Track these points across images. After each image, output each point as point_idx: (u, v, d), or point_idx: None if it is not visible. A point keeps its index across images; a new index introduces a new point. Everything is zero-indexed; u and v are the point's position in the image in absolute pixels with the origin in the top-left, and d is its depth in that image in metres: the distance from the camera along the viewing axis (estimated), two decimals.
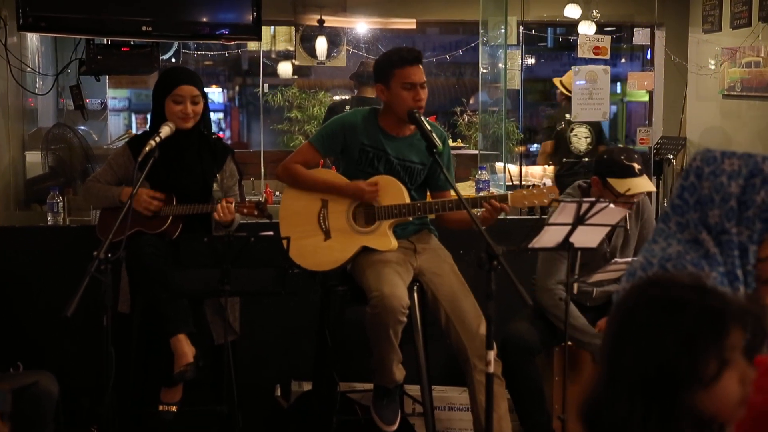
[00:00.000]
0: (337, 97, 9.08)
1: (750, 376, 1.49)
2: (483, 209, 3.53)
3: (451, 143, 7.51)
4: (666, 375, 1.46)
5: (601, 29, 6.99)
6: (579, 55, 6.27)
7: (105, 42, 4.56)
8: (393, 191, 3.66)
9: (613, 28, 7.91)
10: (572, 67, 6.30)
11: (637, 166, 3.74)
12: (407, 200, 3.65)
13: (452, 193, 3.70)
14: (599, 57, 6.20)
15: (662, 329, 1.47)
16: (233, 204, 3.62)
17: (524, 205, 3.59)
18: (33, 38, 5.62)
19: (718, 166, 1.96)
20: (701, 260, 1.92)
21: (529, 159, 9.06)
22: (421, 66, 3.67)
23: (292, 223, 3.72)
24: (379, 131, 3.71)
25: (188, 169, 3.78)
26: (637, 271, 1.98)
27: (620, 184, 3.71)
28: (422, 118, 3.58)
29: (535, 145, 10.57)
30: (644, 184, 3.76)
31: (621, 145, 3.82)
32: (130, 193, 3.44)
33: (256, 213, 3.66)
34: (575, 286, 3.84)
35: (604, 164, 3.79)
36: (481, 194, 4.45)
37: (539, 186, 3.64)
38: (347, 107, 6.05)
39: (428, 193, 3.89)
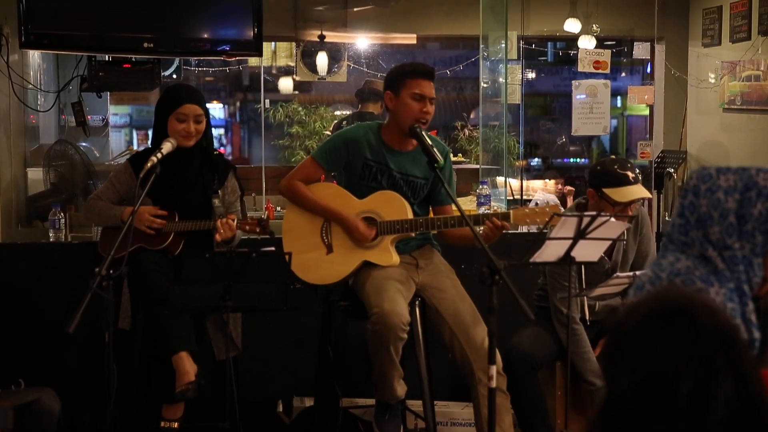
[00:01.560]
0: (338, 113, 9.10)
1: None
2: (484, 226, 3.53)
3: (452, 158, 7.54)
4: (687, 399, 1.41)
5: (601, 43, 7.01)
6: (579, 70, 6.28)
7: (106, 59, 4.57)
8: (395, 206, 3.67)
9: (613, 42, 7.93)
10: (573, 82, 6.31)
11: (631, 175, 3.76)
12: (410, 215, 3.66)
13: (453, 207, 3.72)
14: (599, 71, 6.21)
15: (675, 347, 1.44)
16: (235, 221, 3.62)
17: (526, 223, 3.59)
18: (35, 55, 5.63)
19: (714, 182, 1.97)
20: (710, 276, 1.92)
21: (530, 173, 9.07)
22: (432, 83, 3.69)
23: (294, 237, 3.73)
24: (382, 146, 3.72)
25: (190, 186, 3.79)
26: (645, 285, 1.98)
27: (616, 193, 3.73)
28: (423, 132, 3.59)
29: (536, 160, 10.59)
30: (639, 191, 3.77)
31: (613, 156, 3.82)
32: (131, 213, 3.45)
33: (258, 230, 3.66)
34: (579, 303, 3.84)
35: (599, 175, 3.81)
36: (483, 211, 4.46)
37: (542, 206, 3.64)
38: (344, 123, 6.07)
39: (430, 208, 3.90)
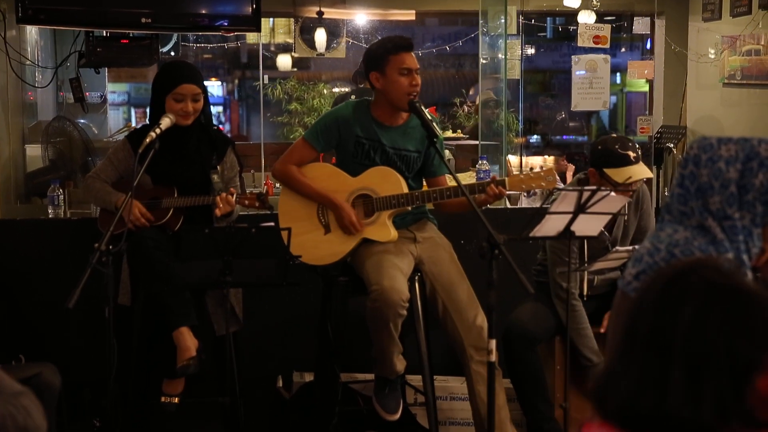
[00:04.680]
0: (336, 89, 9.07)
1: None
2: (484, 195, 3.52)
3: (451, 134, 7.54)
4: (734, 363, 1.34)
5: (600, 18, 6.98)
6: (579, 44, 6.24)
7: (104, 34, 4.55)
8: (390, 182, 3.66)
9: (613, 18, 7.89)
10: (572, 57, 6.29)
11: (632, 154, 3.75)
12: (405, 190, 3.65)
13: (447, 177, 3.72)
14: (599, 46, 6.17)
15: (726, 316, 1.36)
16: (234, 196, 3.62)
17: (522, 189, 3.59)
18: (32, 31, 5.61)
19: (715, 152, 1.96)
20: (709, 246, 1.92)
21: (530, 150, 9.05)
22: (413, 53, 3.67)
23: (291, 218, 3.71)
24: (372, 122, 3.70)
25: (189, 162, 3.78)
26: (644, 257, 1.98)
27: (617, 174, 3.71)
28: (422, 107, 3.58)
29: (535, 137, 10.56)
30: (641, 171, 3.76)
31: (614, 135, 3.80)
32: (124, 200, 3.43)
33: (257, 204, 3.66)
34: (579, 278, 3.84)
35: (600, 155, 3.79)
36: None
37: (537, 170, 3.63)
38: (353, 97, 6.04)
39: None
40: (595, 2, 6.70)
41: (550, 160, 6.70)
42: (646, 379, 1.37)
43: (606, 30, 6.21)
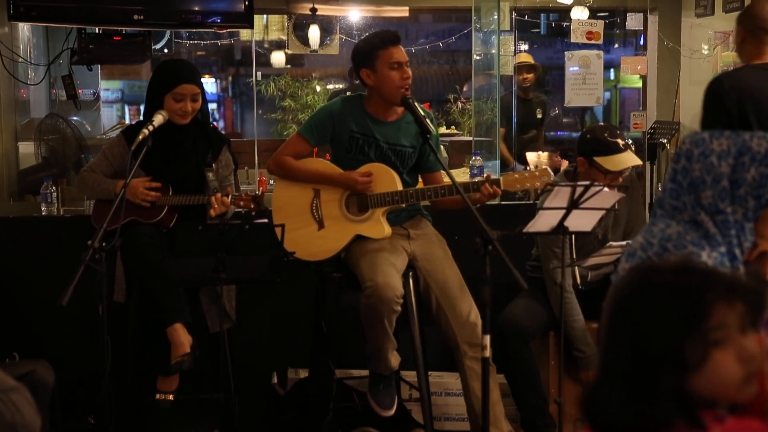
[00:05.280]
0: (330, 86, 9.07)
1: (754, 351, 1.44)
2: (478, 194, 3.53)
3: (445, 130, 7.54)
4: (645, 361, 1.43)
5: (593, 15, 6.98)
6: (572, 41, 6.26)
7: (97, 31, 4.54)
8: (385, 179, 3.66)
9: (606, 14, 7.90)
10: (565, 53, 6.30)
11: (621, 142, 3.77)
12: (400, 187, 3.65)
13: (442, 173, 3.72)
14: (592, 42, 6.19)
15: (641, 314, 1.45)
16: (230, 197, 3.61)
17: (517, 188, 3.60)
18: (24, 28, 5.59)
19: (707, 146, 1.97)
20: (701, 240, 1.93)
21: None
22: (401, 46, 3.67)
23: (285, 214, 3.71)
24: (366, 117, 3.70)
25: (184, 159, 3.77)
26: (637, 252, 1.99)
27: (607, 162, 3.73)
28: (416, 103, 3.58)
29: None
30: (630, 158, 3.78)
31: (602, 124, 3.82)
32: (123, 187, 3.43)
33: (252, 206, 3.65)
34: (571, 272, 3.85)
35: (589, 143, 3.81)
36: (475, 180, 4.45)
37: (532, 169, 3.64)
38: (348, 94, 6.03)
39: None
40: None
41: (544, 156, 6.70)
42: (614, 399, 1.42)
43: (599, 26, 6.22)
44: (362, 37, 3.86)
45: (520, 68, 6.99)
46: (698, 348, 1.41)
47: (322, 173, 3.71)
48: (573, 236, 3.77)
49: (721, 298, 1.43)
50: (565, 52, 6.32)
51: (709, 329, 1.42)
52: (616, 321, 1.49)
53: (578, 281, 3.89)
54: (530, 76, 7.12)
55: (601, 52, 6.23)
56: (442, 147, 3.91)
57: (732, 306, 1.43)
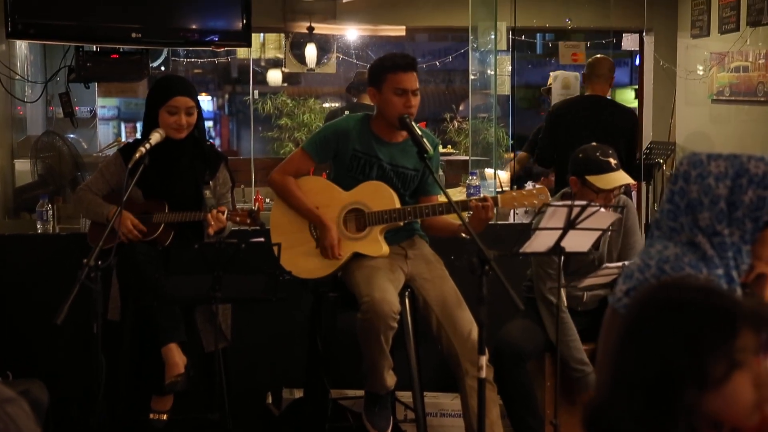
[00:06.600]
0: (327, 104, 9.09)
1: (766, 377, 1.45)
2: (471, 212, 3.53)
3: (441, 149, 7.55)
4: (668, 375, 1.44)
5: (590, 35, 7.03)
6: (561, 62, 6.36)
7: (94, 49, 4.54)
8: (382, 196, 3.66)
9: (602, 35, 7.94)
10: (551, 73, 6.38)
11: (613, 161, 3.78)
12: (397, 205, 3.65)
13: (440, 196, 3.72)
14: (577, 63, 6.30)
15: (667, 329, 1.46)
16: (225, 213, 3.61)
17: (514, 206, 3.60)
18: (22, 46, 5.60)
19: (705, 168, 1.97)
20: (699, 262, 1.93)
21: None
22: (415, 73, 3.66)
23: (283, 231, 3.71)
24: (371, 137, 3.70)
25: (181, 177, 3.77)
26: (635, 273, 1.98)
27: (600, 180, 3.74)
28: (413, 123, 3.58)
29: None
30: (622, 177, 3.79)
31: (593, 143, 3.83)
32: (114, 214, 3.42)
33: (248, 221, 3.65)
34: (565, 292, 3.84)
35: (581, 163, 3.82)
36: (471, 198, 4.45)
37: (530, 188, 3.65)
38: (346, 113, 6.06)
39: None
40: (568, 21, 6.79)
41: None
42: (634, 414, 1.42)
43: (581, 47, 6.35)
44: (380, 56, 3.86)
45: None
46: (722, 367, 1.43)
47: (312, 213, 3.70)
48: (562, 259, 3.77)
49: (749, 322, 1.45)
50: (550, 73, 6.40)
51: (735, 350, 1.44)
52: (640, 334, 1.49)
53: (565, 302, 3.88)
54: None
55: (578, 74, 6.31)
56: (440, 167, 3.92)
57: (756, 332, 1.46)
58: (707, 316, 1.45)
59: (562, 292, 3.83)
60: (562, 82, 6.21)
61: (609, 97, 5.64)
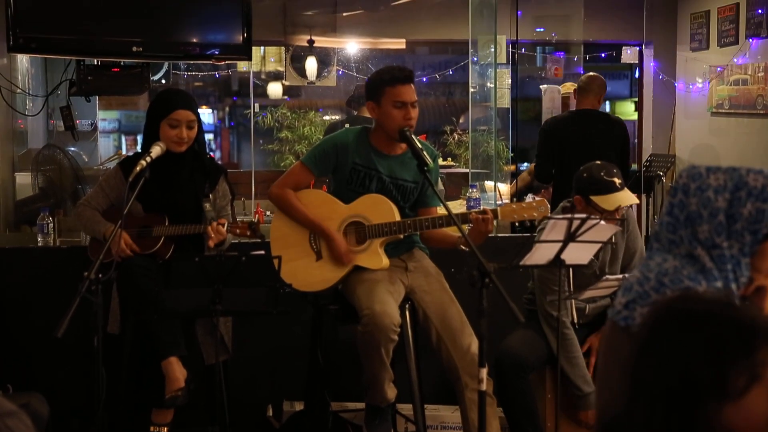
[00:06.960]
0: (327, 118, 9.10)
1: None
2: (471, 225, 3.54)
3: (441, 162, 7.56)
4: (690, 386, 1.43)
5: (590, 49, 7.05)
6: (545, 76, 6.47)
7: (95, 63, 4.56)
8: (382, 209, 3.66)
9: (602, 48, 7.97)
10: (540, 87, 6.45)
11: (617, 181, 3.75)
12: (397, 218, 3.65)
13: (439, 208, 3.72)
14: (558, 77, 6.46)
15: (690, 341, 1.45)
16: (225, 225, 3.61)
17: (514, 218, 3.60)
18: (23, 59, 5.61)
19: (704, 181, 1.97)
20: (698, 275, 1.93)
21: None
22: (412, 85, 3.68)
23: (283, 245, 3.71)
24: (371, 150, 3.71)
25: (181, 190, 3.77)
26: (634, 286, 1.99)
27: (604, 201, 3.71)
28: (413, 136, 3.59)
29: (525, 164, 10.59)
30: (627, 197, 3.77)
31: (598, 162, 3.81)
32: (112, 233, 3.42)
33: (248, 233, 3.65)
34: (569, 306, 3.84)
35: (585, 182, 3.79)
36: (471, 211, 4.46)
37: (529, 201, 3.65)
38: (348, 125, 6.07)
39: None
40: (552, 35, 6.86)
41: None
42: (653, 426, 1.42)
43: (561, 62, 6.49)
44: (378, 69, 3.88)
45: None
46: (743, 379, 1.42)
47: (315, 224, 3.71)
48: (571, 271, 3.77)
49: (766, 336, 1.46)
50: (540, 86, 6.45)
51: (756, 363, 1.43)
52: (660, 345, 1.48)
53: (574, 318, 3.87)
54: None
55: (560, 88, 6.43)
56: (440, 180, 3.93)
57: None
58: (730, 328, 1.45)
59: (570, 306, 3.83)
60: (549, 96, 6.30)
61: (600, 110, 5.90)
